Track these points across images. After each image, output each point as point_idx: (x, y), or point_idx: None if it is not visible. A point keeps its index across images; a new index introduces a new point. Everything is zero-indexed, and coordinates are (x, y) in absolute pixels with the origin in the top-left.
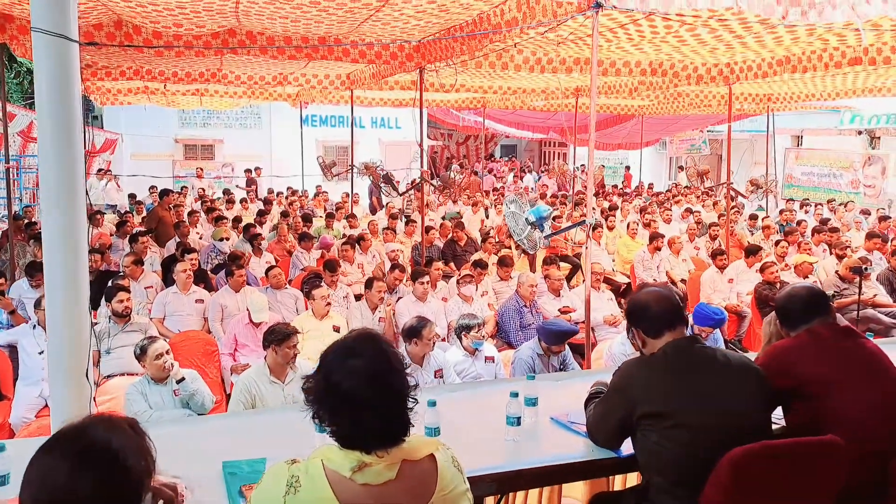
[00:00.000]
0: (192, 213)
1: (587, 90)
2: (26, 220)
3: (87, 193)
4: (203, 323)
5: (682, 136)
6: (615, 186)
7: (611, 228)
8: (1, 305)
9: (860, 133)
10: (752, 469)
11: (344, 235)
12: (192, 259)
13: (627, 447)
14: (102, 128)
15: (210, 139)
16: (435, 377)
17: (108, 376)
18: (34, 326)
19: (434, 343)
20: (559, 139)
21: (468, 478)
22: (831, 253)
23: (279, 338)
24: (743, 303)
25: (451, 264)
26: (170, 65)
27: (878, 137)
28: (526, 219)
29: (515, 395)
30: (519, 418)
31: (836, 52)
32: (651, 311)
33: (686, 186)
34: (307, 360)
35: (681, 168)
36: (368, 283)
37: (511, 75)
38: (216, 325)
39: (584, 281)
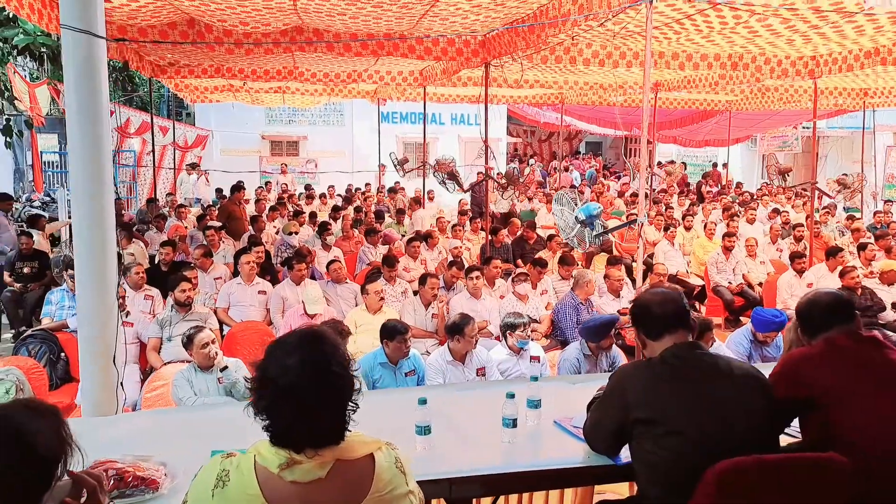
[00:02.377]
0: (273, 207)
1: (666, 84)
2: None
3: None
4: (265, 314)
5: (774, 133)
6: (699, 184)
7: (688, 228)
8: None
9: None
10: (740, 484)
11: (418, 232)
12: (258, 251)
13: (627, 454)
14: (194, 125)
15: (295, 136)
16: (477, 375)
17: (169, 362)
18: None
19: (476, 341)
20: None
21: (455, 478)
22: None
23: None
24: None
25: (521, 262)
26: (245, 62)
27: None
28: (576, 217)
29: (512, 395)
30: (515, 420)
31: None
32: (652, 312)
33: (776, 185)
34: (360, 353)
35: (724, 165)
36: (422, 280)
37: (584, 70)
38: (277, 316)
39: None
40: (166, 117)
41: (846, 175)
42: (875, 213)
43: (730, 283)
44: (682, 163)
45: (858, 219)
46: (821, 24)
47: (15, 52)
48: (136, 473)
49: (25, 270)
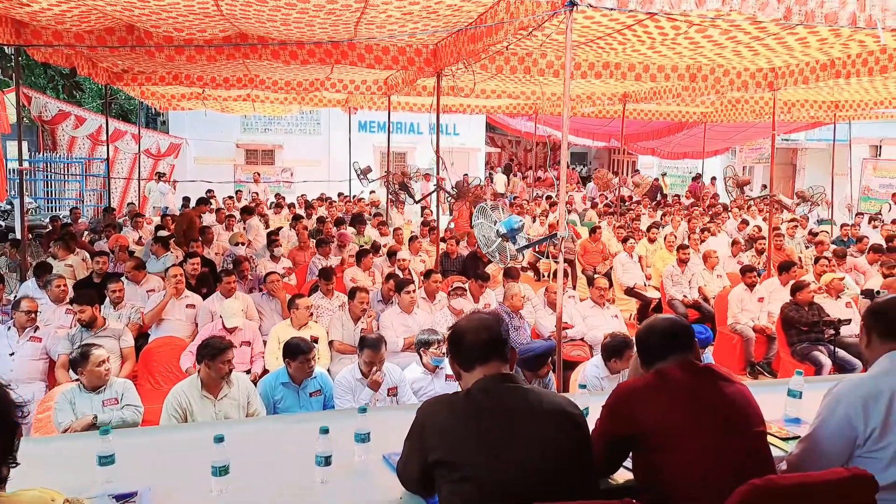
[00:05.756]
0: (230, 216)
1: (634, 95)
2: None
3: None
4: (194, 328)
5: (752, 145)
6: (677, 196)
7: (651, 240)
8: None
9: None
10: None
11: (374, 243)
12: (193, 263)
13: None
14: (168, 132)
15: (270, 144)
16: (388, 395)
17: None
18: (9, 328)
19: (382, 361)
20: (617, 146)
21: None
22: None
23: (213, 352)
24: (774, 323)
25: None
26: (198, 70)
27: None
28: (497, 231)
29: (325, 430)
30: (328, 457)
31: (883, 56)
32: (466, 341)
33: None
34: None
35: (713, 179)
36: (351, 294)
37: (552, 80)
38: (205, 331)
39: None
40: (144, 126)
41: (807, 189)
42: (842, 227)
43: (685, 296)
44: (662, 174)
45: (823, 232)
46: (762, 35)
47: None
48: None
49: None
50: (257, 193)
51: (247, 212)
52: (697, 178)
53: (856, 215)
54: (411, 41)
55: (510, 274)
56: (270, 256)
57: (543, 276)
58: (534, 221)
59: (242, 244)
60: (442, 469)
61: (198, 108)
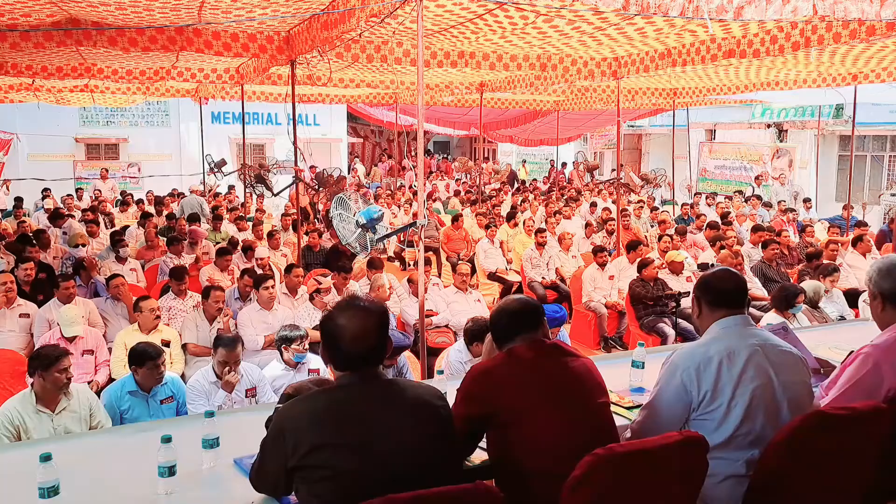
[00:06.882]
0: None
1: (491, 84)
2: None
3: None
4: (29, 339)
5: (602, 132)
6: (535, 181)
7: (513, 226)
8: None
9: (769, 126)
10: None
11: (232, 239)
12: (26, 269)
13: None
14: None
15: (114, 138)
16: (246, 396)
17: None
18: None
19: (239, 362)
20: (477, 134)
21: None
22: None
23: (46, 362)
24: (624, 300)
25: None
26: (26, 58)
27: (786, 131)
28: (356, 221)
29: (168, 439)
30: (173, 467)
31: (713, 46)
32: (340, 344)
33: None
34: None
35: (563, 164)
36: (205, 292)
37: (410, 70)
38: (42, 341)
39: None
40: None
41: (650, 171)
42: (682, 206)
43: (544, 278)
44: (523, 161)
45: (665, 212)
46: (604, 25)
47: None
48: None
49: None
50: (100, 191)
51: (91, 211)
52: (563, 166)
53: (694, 195)
54: (262, 28)
55: (374, 265)
56: (116, 258)
57: (409, 265)
58: (399, 209)
59: (83, 245)
60: (301, 472)
61: (29, 101)
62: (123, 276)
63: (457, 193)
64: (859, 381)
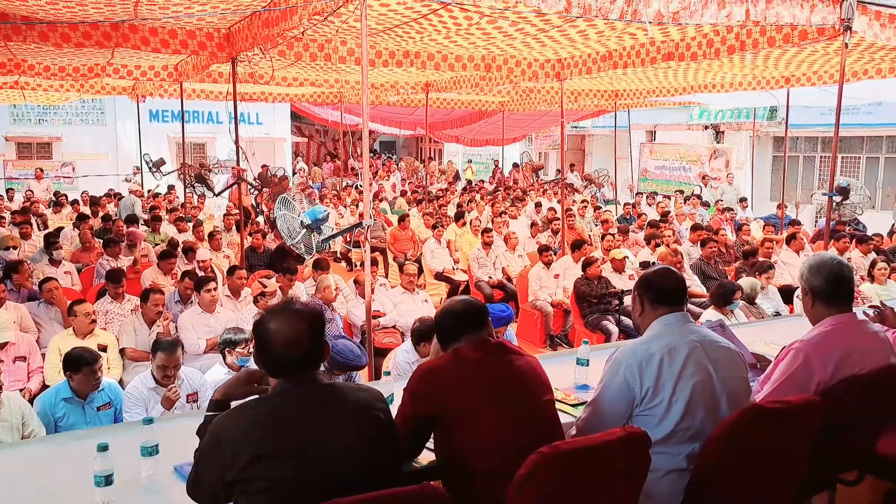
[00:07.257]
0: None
1: (436, 85)
2: None
3: None
4: None
5: (546, 132)
6: (481, 181)
7: (462, 225)
8: None
9: (706, 128)
10: None
11: (172, 240)
12: None
13: None
14: None
15: (46, 137)
16: (187, 402)
17: None
18: None
19: (179, 367)
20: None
21: None
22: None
23: None
24: (569, 298)
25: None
26: None
27: (723, 132)
28: (301, 221)
29: (104, 447)
30: (109, 476)
31: (653, 49)
32: (270, 349)
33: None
34: None
35: (515, 165)
36: (144, 295)
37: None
38: None
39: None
40: None
41: (597, 171)
42: (625, 206)
43: (490, 277)
44: (468, 161)
45: (608, 211)
46: (547, 27)
47: None
48: None
49: None
50: (32, 192)
51: (22, 213)
52: (514, 166)
53: (636, 195)
54: (201, 24)
55: (320, 265)
56: (49, 260)
57: (356, 265)
58: (346, 210)
59: (14, 248)
60: (240, 485)
61: None
62: (57, 280)
63: (403, 193)
64: (791, 375)
